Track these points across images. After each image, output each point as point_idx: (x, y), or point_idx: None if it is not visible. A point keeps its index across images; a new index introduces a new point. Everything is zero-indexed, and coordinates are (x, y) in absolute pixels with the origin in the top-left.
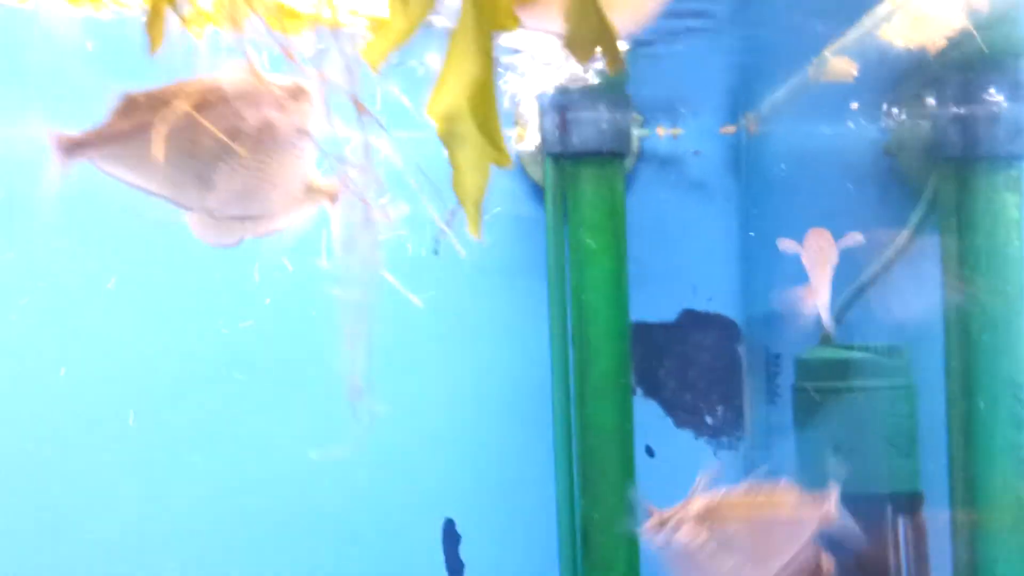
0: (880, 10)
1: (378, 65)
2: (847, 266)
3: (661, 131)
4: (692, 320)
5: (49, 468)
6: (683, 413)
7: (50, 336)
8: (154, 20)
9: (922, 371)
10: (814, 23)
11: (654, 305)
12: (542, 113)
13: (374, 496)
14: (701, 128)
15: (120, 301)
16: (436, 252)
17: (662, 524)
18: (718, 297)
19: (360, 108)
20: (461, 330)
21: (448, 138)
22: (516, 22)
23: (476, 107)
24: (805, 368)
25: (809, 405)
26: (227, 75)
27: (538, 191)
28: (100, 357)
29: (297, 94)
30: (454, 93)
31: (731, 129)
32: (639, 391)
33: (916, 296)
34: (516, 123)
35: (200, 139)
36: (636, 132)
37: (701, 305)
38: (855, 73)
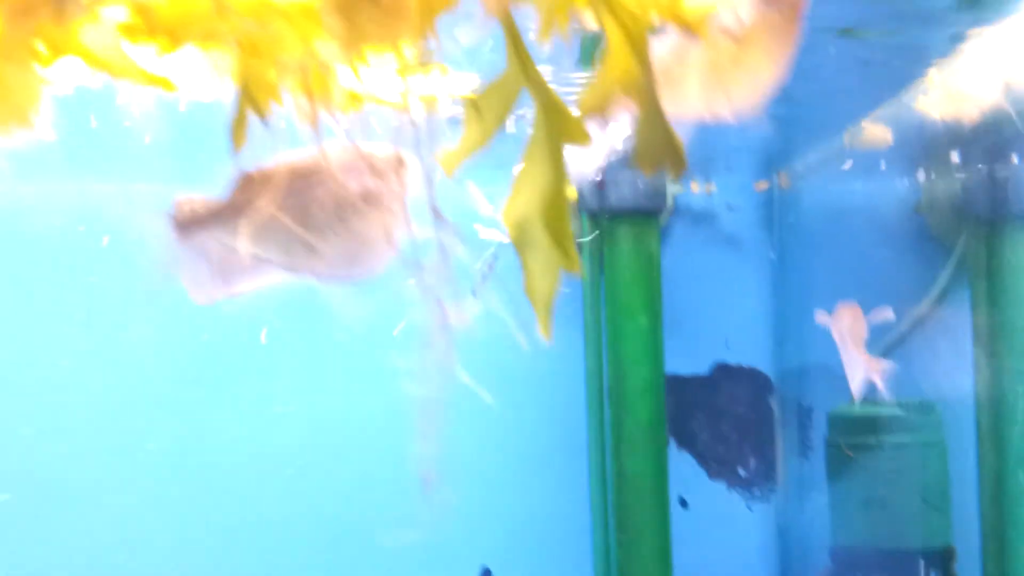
0: (918, 84)
1: (453, 172)
2: (881, 322)
3: (695, 186)
4: (725, 373)
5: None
6: (716, 465)
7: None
8: (239, 121)
9: (953, 427)
10: (851, 90)
11: (687, 358)
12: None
13: (411, 544)
14: (735, 184)
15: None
16: (474, 294)
17: None
18: (750, 351)
19: (437, 215)
20: (498, 382)
21: (520, 244)
22: (587, 138)
23: (548, 215)
24: (838, 423)
25: (842, 460)
26: (330, 148)
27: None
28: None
29: (395, 164)
30: (527, 201)
31: (764, 185)
32: (673, 443)
33: (947, 353)
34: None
35: (309, 209)
36: (671, 188)
37: (734, 358)
38: (890, 140)
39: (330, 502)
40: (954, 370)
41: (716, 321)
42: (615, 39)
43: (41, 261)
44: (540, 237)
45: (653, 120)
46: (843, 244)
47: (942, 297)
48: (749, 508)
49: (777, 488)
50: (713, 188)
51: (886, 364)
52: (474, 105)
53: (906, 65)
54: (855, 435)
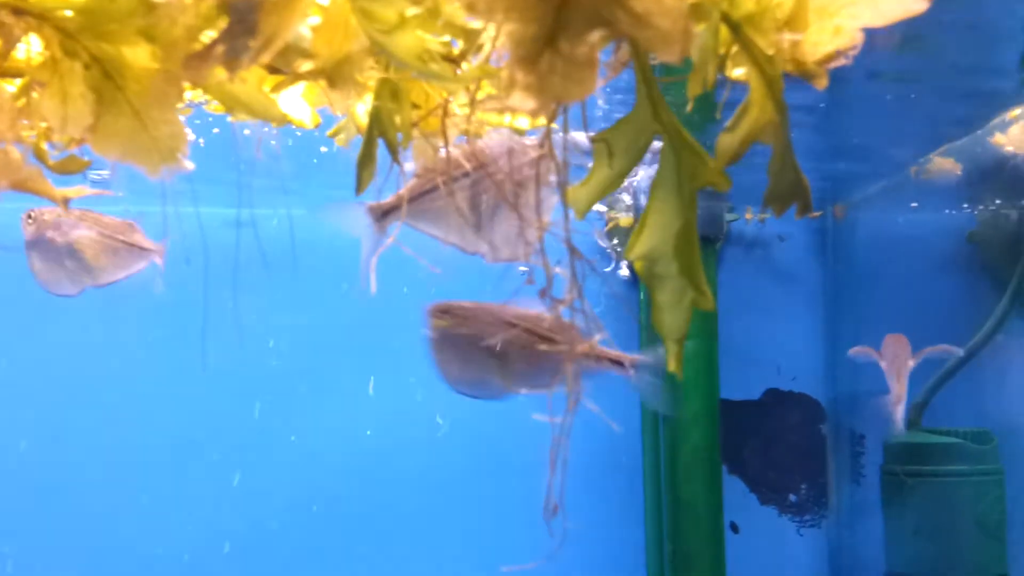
0: (996, 119)
1: (583, 212)
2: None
3: (749, 215)
4: (776, 399)
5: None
6: (767, 490)
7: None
8: (366, 161)
9: (1010, 456)
10: (914, 128)
11: (739, 383)
12: (639, 198)
13: (462, 569)
14: (788, 213)
15: None
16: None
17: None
18: (802, 377)
19: (576, 254)
20: (553, 407)
21: (649, 278)
22: (727, 182)
23: (679, 251)
24: (894, 451)
25: (897, 487)
26: (492, 141)
27: (630, 271)
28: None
29: (543, 153)
30: (656, 238)
31: (818, 215)
32: (724, 468)
33: (1003, 382)
34: (609, 207)
35: (478, 195)
36: (725, 216)
37: (785, 384)
38: (958, 173)
39: (453, 524)
40: (1011, 399)
41: (768, 347)
42: (756, 84)
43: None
44: (671, 273)
45: (785, 163)
46: (895, 273)
47: (998, 326)
48: (800, 533)
49: (828, 514)
50: (766, 216)
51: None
52: (605, 144)
53: (971, 110)
54: (911, 463)
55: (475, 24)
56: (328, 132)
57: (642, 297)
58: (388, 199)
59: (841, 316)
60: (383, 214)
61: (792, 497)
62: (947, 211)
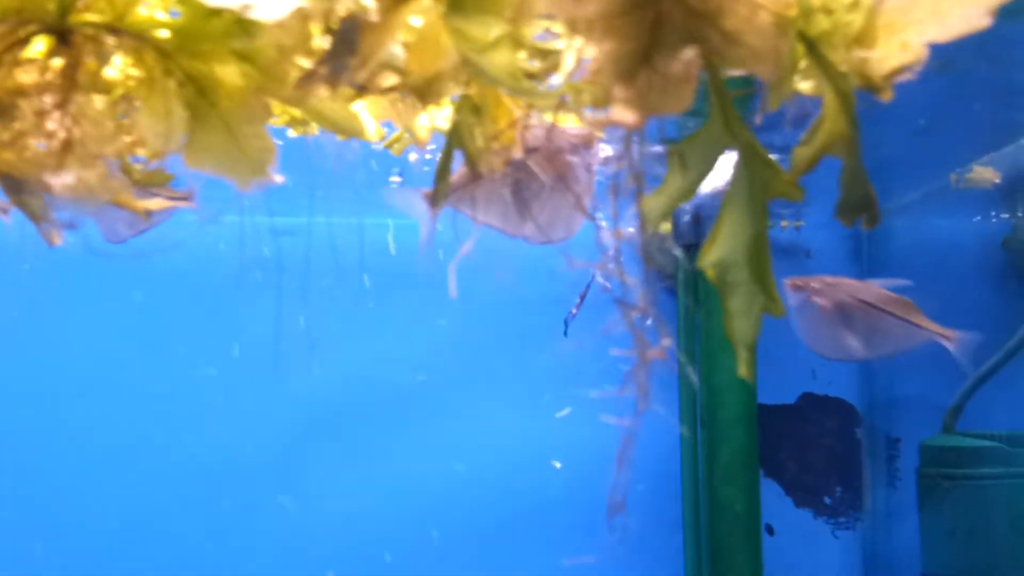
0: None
1: (657, 221)
2: (969, 356)
3: (785, 224)
4: (811, 403)
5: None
6: (803, 493)
7: None
8: (443, 172)
9: None
10: (949, 136)
11: (775, 388)
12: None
13: (496, 570)
14: (823, 220)
15: None
16: (565, 334)
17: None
18: (837, 381)
19: (648, 259)
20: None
21: (721, 285)
22: (800, 193)
23: (751, 259)
24: (930, 454)
25: (933, 490)
26: (536, 131)
27: (666, 277)
28: None
29: (587, 140)
30: (728, 246)
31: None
32: (761, 471)
33: None
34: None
35: (522, 182)
36: None
37: (820, 389)
38: (997, 181)
39: (510, 521)
40: None
41: (803, 352)
42: (829, 99)
43: None
44: (742, 280)
45: (856, 175)
46: (929, 277)
47: None
48: (835, 536)
49: (863, 517)
50: (802, 223)
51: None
52: (679, 155)
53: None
54: (947, 466)
55: (558, 45)
56: (385, 142)
57: (681, 305)
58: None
59: None
60: (435, 200)
61: (827, 500)
62: (982, 218)
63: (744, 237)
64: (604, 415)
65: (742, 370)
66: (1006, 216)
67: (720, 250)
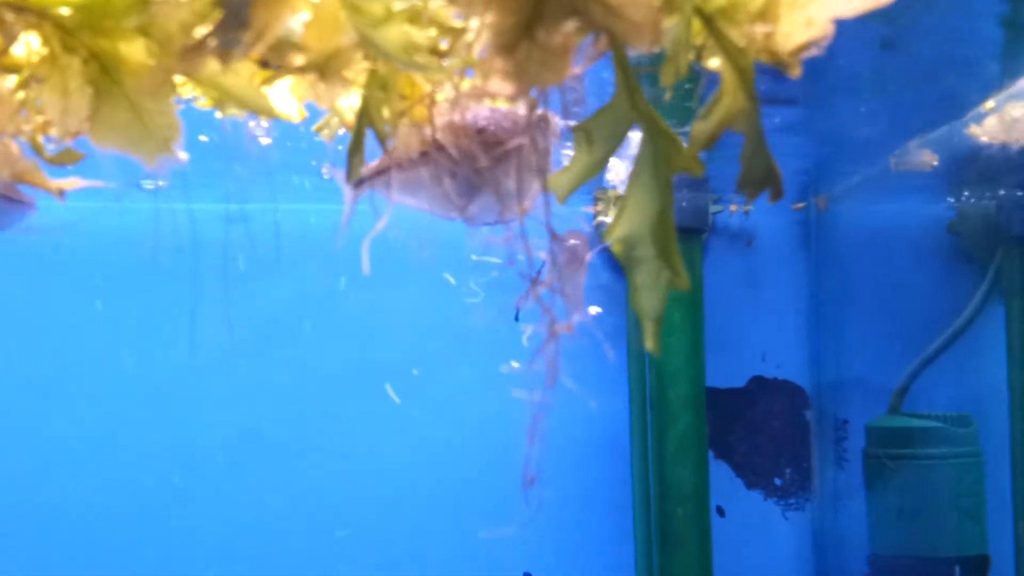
0: (972, 111)
1: (564, 197)
2: (915, 338)
3: (734, 208)
4: (761, 386)
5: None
6: (753, 475)
7: None
8: (355, 149)
9: (988, 440)
10: (887, 119)
11: (725, 371)
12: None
13: (452, 551)
14: (772, 205)
15: None
16: (517, 319)
17: None
18: (786, 364)
19: (553, 234)
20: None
21: (627, 260)
22: (700, 167)
23: (656, 235)
24: (875, 435)
25: (879, 471)
26: (481, 111)
27: (616, 262)
28: None
29: (539, 122)
30: (635, 222)
31: (801, 206)
32: (711, 453)
33: (982, 368)
34: (596, 200)
35: (457, 166)
36: (710, 208)
37: (770, 372)
38: (936, 164)
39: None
40: (989, 384)
41: (753, 336)
42: (727, 75)
43: None
44: (648, 255)
45: (757, 150)
46: (877, 262)
47: (977, 313)
48: (785, 517)
49: (812, 498)
50: (750, 208)
51: None
52: (585, 132)
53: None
54: (892, 447)
55: (459, 21)
56: (314, 127)
57: (629, 284)
58: (364, 168)
59: (824, 305)
60: (359, 183)
61: (777, 481)
62: (927, 202)
63: (649, 212)
64: (517, 390)
65: (649, 343)
66: (951, 199)
67: (626, 226)
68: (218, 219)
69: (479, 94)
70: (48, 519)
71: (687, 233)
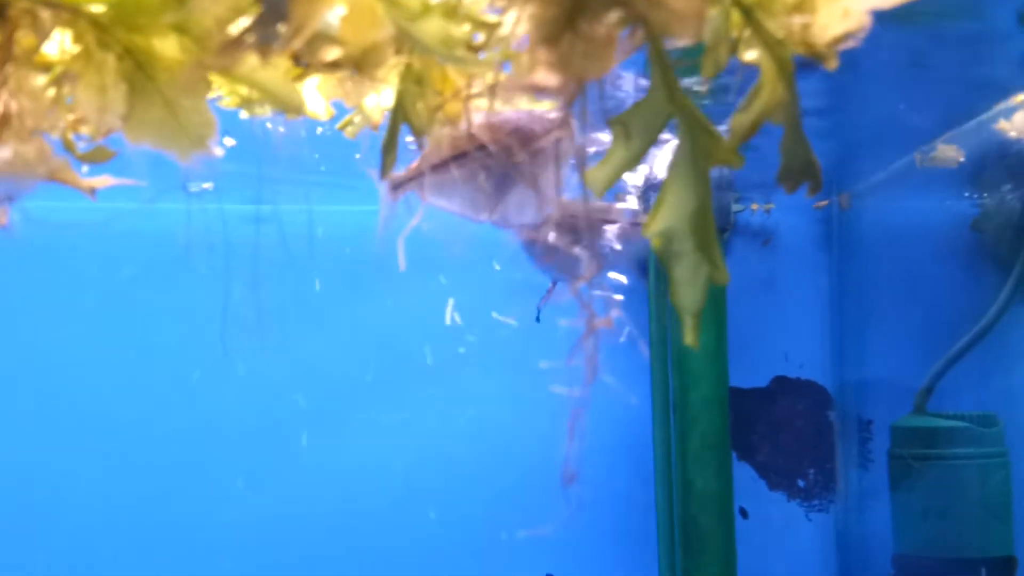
0: (1000, 105)
1: (602, 192)
2: (939, 337)
3: (755, 206)
4: (784, 386)
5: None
6: (776, 476)
7: None
8: (390, 146)
9: (1015, 439)
10: (913, 115)
11: (747, 371)
12: (648, 189)
13: (474, 551)
14: (794, 203)
15: None
16: (538, 320)
17: None
18: (809, 364)
19: (592, 227)
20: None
21: (666, 255)
22: (740, 160)
23: (695, 228)
24: (901, 436)
25: (905, 471)
26: (509, 114)
27: (637, 263)
28: None
29: (561, 123)
30: (672, 216)
31: (823, 204)
32: (734, 454)
33: (1008, 367)
34: (616, 199)
35: (491, 166)
36: (733, 207)
37: (793, 372)
38: (961, 160)
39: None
40: (1016, 383)
41: (775, 335)
42: (767, 66)
43: None
44: (687, 249)
45: (797, 141)
46: (900, 260)
47: (1003, 312)
48: (808, 518)
49: (836, 499)
50: (772, 207)
51: None
52: (622, 125)
53: (975, 96)
54: (918, 447)
55: (494, 17)
56: (338, 125)
57: (651, 285)
58: (402, 172)
59: (847, 304)
60: (396, 185)
61: (800, 482)
62: (951, 199)
63: (688, 206)
64: (555, 386)
65: (688, 338)
66: (975, 196)
67: (664, 220)
68: (246, 220)
69: (520, 86)
70: (67, 516)
71: None
